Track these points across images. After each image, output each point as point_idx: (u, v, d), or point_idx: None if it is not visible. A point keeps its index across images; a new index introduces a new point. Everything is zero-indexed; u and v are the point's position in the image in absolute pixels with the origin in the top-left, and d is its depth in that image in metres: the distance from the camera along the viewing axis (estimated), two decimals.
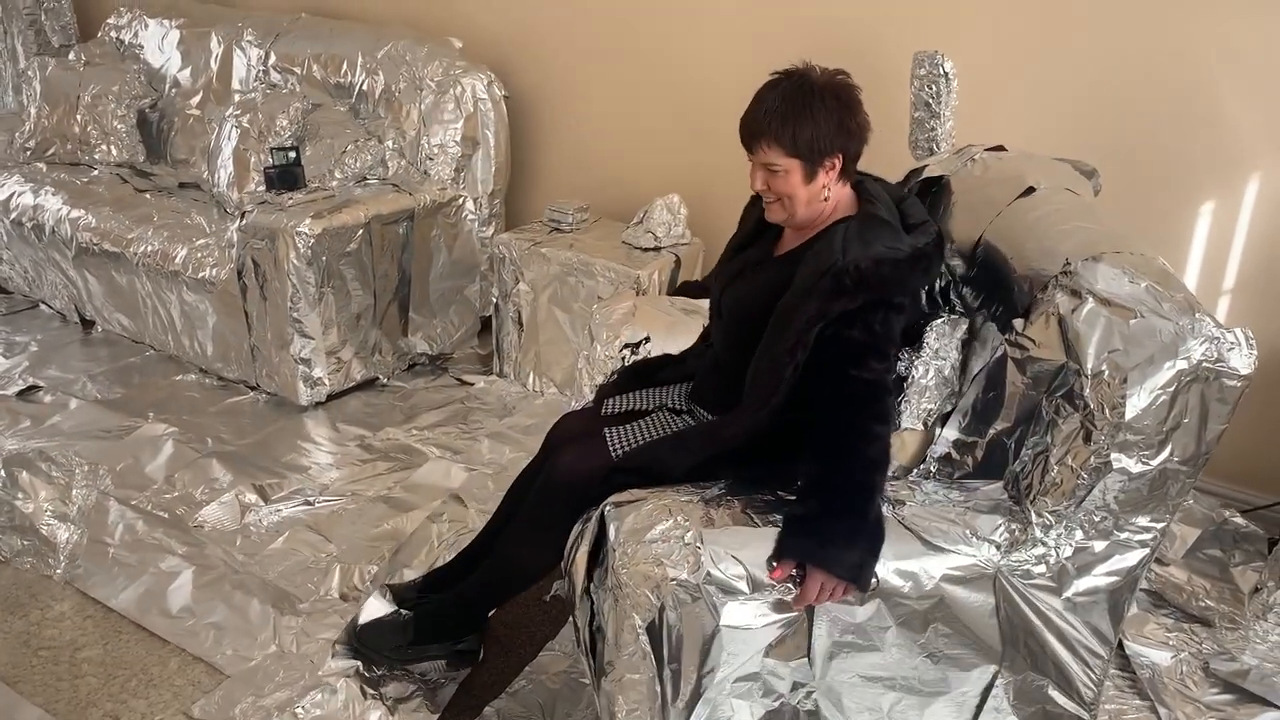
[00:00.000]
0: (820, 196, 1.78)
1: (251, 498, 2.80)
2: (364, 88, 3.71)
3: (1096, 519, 1.64)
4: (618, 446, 1.90)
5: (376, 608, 2.23)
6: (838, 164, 1.75)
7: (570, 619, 2.09)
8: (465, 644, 2.15)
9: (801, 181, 1.76)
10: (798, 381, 1.67)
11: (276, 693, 2.12)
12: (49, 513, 2.68)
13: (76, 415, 3.25)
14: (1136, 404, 1.53)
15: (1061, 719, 1.80)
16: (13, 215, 3.85)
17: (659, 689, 1.64)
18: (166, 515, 2.73)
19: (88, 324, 3.92)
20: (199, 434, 3.15)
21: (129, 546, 2.60)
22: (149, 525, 2.68)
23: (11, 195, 3.89)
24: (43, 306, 4.08)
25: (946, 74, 2.54)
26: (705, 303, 2.16)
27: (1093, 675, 1.77)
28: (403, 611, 2.22)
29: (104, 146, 4.16)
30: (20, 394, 3.38)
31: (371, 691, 2.11)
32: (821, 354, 1.65)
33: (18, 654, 2.25)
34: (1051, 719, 1.80)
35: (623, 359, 2.45)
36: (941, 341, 1.88)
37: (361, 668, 2.15)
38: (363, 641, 2.15)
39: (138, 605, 2.40)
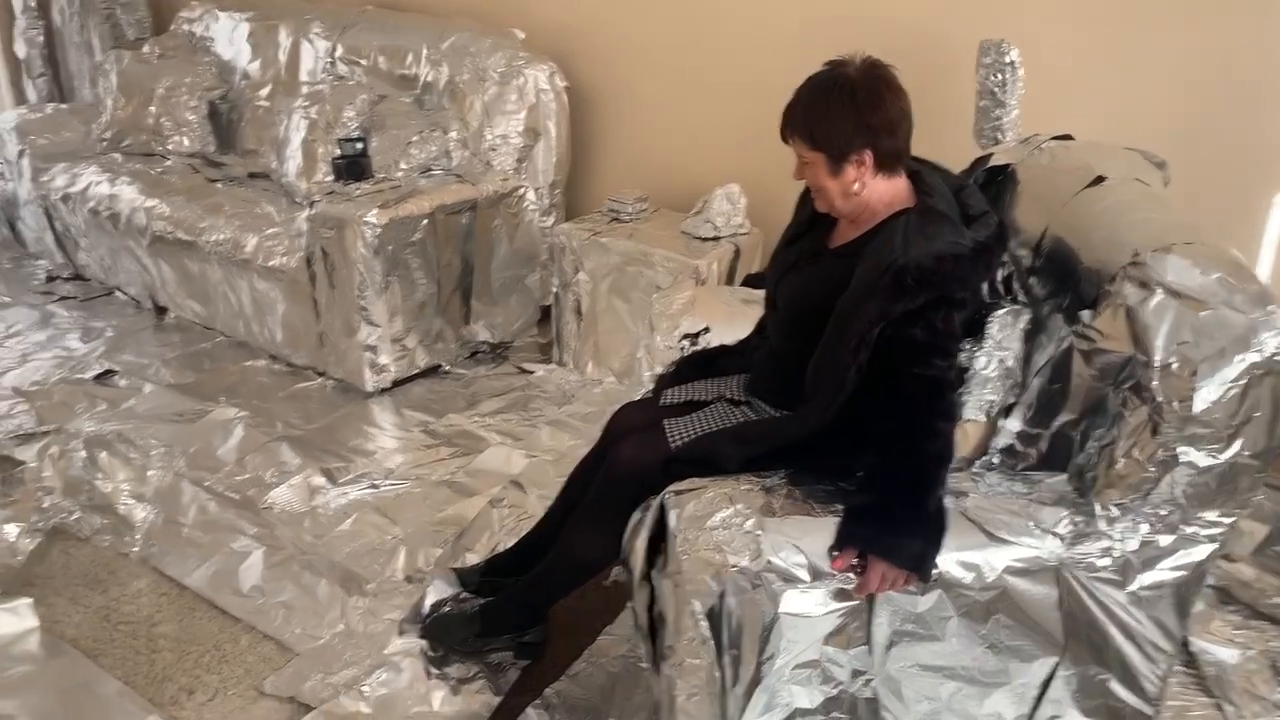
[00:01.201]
0: (851, 190, 1.77)
1: (319, 480, 2.86)
2: (429, 79, 3.76)
3: (1163, 513, 1.62)
4: (677, 437, 1.91)
5: (440, 591, 2.29)
6: (867, 159, 1.74)
7: (628, 604, 2.11)
8: (530, 635, 2.19)
9: (828, 174, 1.77)
10: (860, 380, 1.67)
11: (344, 671, 2.17)
12: (126, 493, 2.76)
13: (151, 399, 3.34)
14: (1206, 397, 1.52)
15: (1124, 713, 1.78)
16: (90, 204, 3.96)
17: (718, 674, 1.66)
18: (238, 497, 2.80)
19: (161, 310, 4.03)
20: (269, 418, 3.22)
21: (202, 526, 2.68)
22: (221, 506, 2.75)
23: (89, 185, 4.00)
24: (118, 293, 4.19)
25: (1012, 62, 2.52)
26: (763, 293, 2.17)
27: (1157, 671, 1.75)
28: (465, 594, 2.27)
29: (177, 137, 4.26)
30: (97, 378, 3.49)
31: (436, 672, 2.15)
32: (884, 353, 1.65)
33: (98, 628, 2.33)
34: (1114, 713, 1.78)
35: (682, 349, 2.47)
36: (1004, 332, 1.87)
37: (426, 648, 2.20)
38: (431, 634, 2.20)
39: (210, 583, 2.48)
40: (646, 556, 1.79)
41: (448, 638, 2.18)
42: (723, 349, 2.25)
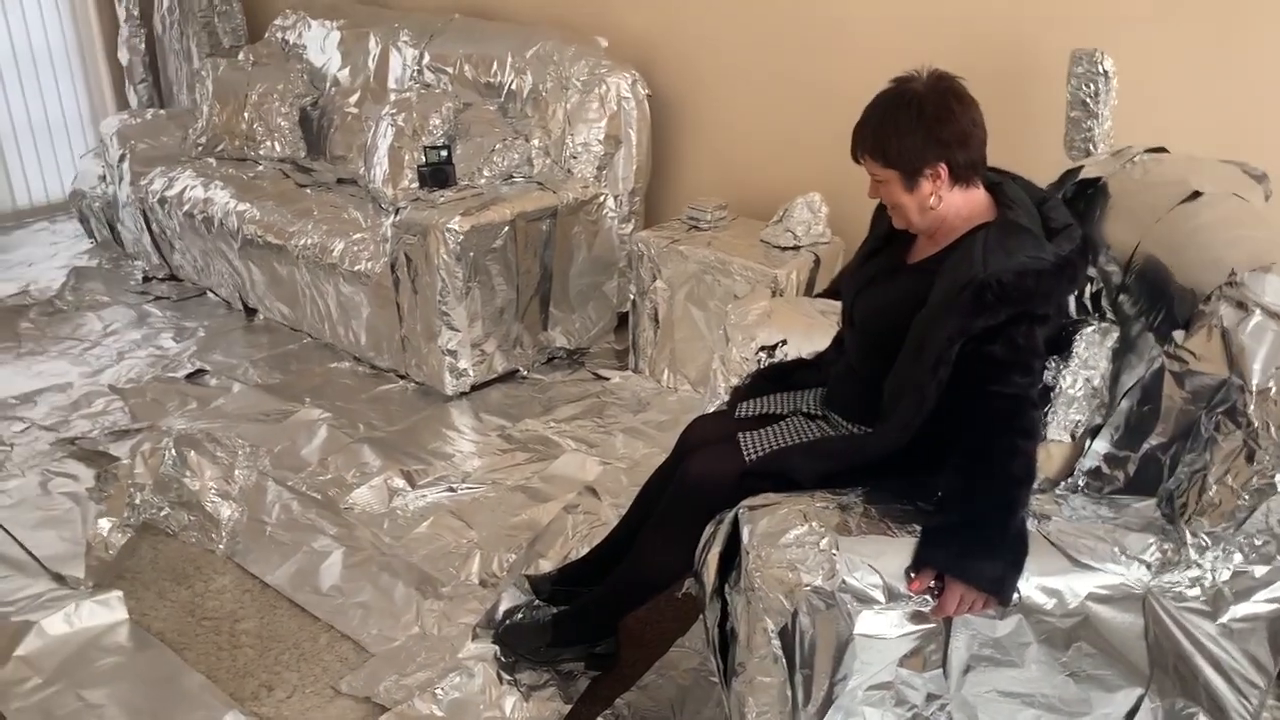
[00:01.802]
0: (927, 205, 1.75)
1: (399, 482, 2.91)
2: (513, 87, 3.80)
3: (1258, 543, 1.56)
4: (751, 451, 1.90)
5: (514, 597, 2.30)
6: (942, 173, 1.72)
7: (700, 617, 2.11)
8: (602, 646, 2.20)
9: (902, 190, 1.75)
10: (939, 397, 1.64)
11: (418, 673, 2.20)
12: (213, 491, 2.84)
13: (239, 399, 3.43)
14: None
15: None
16: (185, 207, 4.09)
17: (790, 693, 1.65)
18: (320, 497, 2.86)
19: (251, 311, 4.13)
20: (351, 420, 3.29)
21: (285, 525, 2.74)
22: (303, 506, 2.82)
23: (185, 189, 4.14)
24: (210, 294, 4.32)
25: (1105, 72, 2.45)
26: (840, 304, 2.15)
27: (1249, 705, 1.69)
28: (538, 602, 2.28)
29: (269, 143, 4.37)
30: (189, 377, 3.59)
31: (507, 677, 2.17)
32: (963, 370, 1.62)
33: (184, 622, 2.40)
34: None
35: (759, 361, 2.45)
36: (1091, 351, 1.82)
37: (499, 653, 2.22)
38: (504, 641, 2.22)
39: (291, 582, 2.53)
40: (719, 571, 1.78)
41: (520, 646, 2.20)
42: (799, 362, 2.23)
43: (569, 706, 2.13)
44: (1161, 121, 2.69)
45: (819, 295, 3.09)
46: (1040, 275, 1.63)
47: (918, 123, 1.69)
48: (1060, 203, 1.85)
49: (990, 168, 1.80)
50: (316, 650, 2.31)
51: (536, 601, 2.29)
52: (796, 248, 3.27)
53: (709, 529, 1.84)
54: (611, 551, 2.23)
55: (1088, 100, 2.49)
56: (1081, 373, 1.81)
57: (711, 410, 2.33)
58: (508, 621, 2.26)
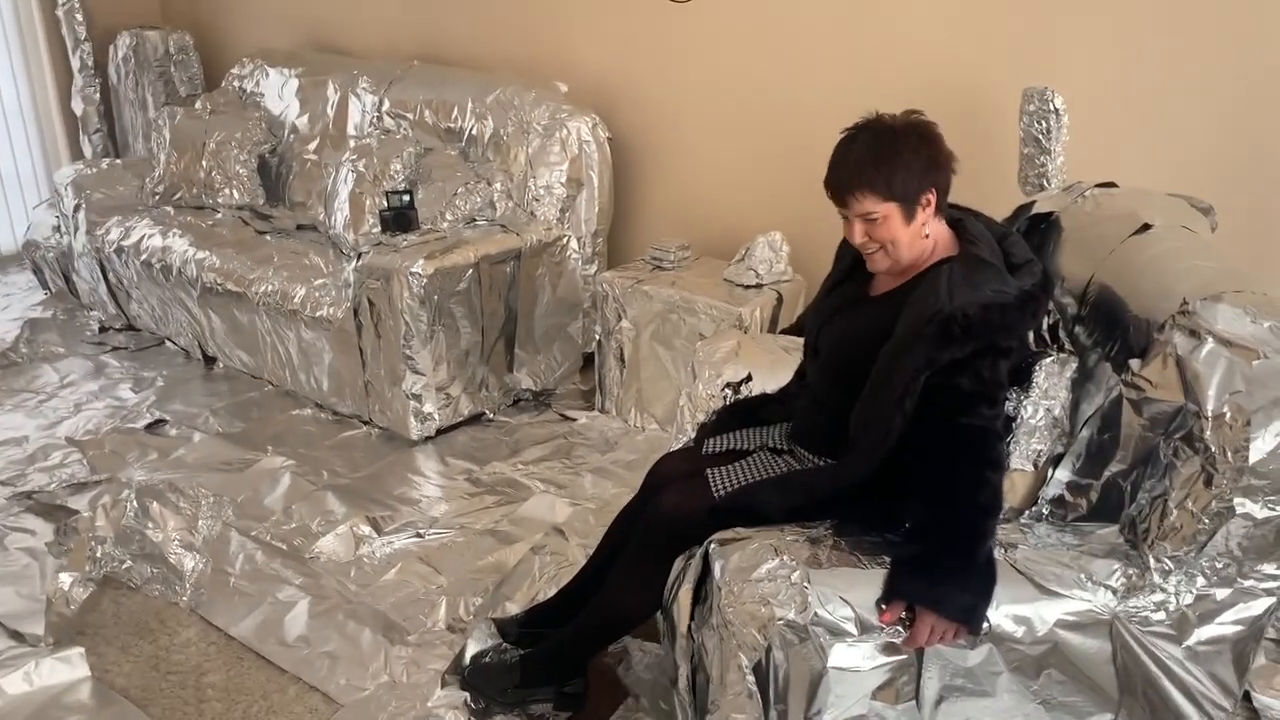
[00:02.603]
0: (921, 234, 1.78)
1: (365, 530, 2.88)
2: (473, 132, 3.82)
3: (1219, 565, 1.59)
4: (720, 487, 1.91)
5: (481, 641, 2.28)
6: (932, 199, 1.76)
7: (670, 657, 2.10)
8: (571, 686, 2.18)
9: (902, 223, 1.77)
10: (905, 428, 1.66)
11: None
12: (176, 542, 2.79)
13: (200, 448, 3.39)
14: (1261, 447, 1.50)
15: None
16: (143, 256, 4.05)
17: None
18: (284, 546, 2.82)
19: (210, 360, 4.09)
20: (315, 467, 3.25)
21: (249, 576, 2.70)
22: (268, 555, 2.77)
23: (142, 237, 4.10)
24: (169, 343, 4.26)
25: (1056, 109, 2.52)
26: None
27: None
28: (505, 645, 2.26)
29: (227, 190, 4.36)
30: (148, 427, 3.54)
31: None
32: (930, 402, 1.64)
33: (148, 677, 2.35)
34: None
35: (725, 397, 2.47)
36: (1051, 381, 1.86)
37: (469, 700, 2.19)
38: (472, 684, 2.20)
39: (257, 633, 2.49)
40: (689, 609, 1.78)
41: (488, 688, 2.17)
42: (764, 397, 2.25)
43: None
44: (1111, 156, 2.76)
45: (783, 331, 3.12)
46: (1005, 309, 1.66)
47: (916, 150, 1.73)
48: (1020, 238, 1.90)
49: (951, 204, 1.84)
50: (285, 702, 2.27)
51: (504, 645, 2.27)
52: (759, 286, 3.31)
53: (678, 565, 1.84)
54: (579, 591, 2.22)
55: (1040, 137, 2.55)
56: (1042, 403, 1.84)
57: (678, 447, 2.34)
58: (475, 665, 2.23)
